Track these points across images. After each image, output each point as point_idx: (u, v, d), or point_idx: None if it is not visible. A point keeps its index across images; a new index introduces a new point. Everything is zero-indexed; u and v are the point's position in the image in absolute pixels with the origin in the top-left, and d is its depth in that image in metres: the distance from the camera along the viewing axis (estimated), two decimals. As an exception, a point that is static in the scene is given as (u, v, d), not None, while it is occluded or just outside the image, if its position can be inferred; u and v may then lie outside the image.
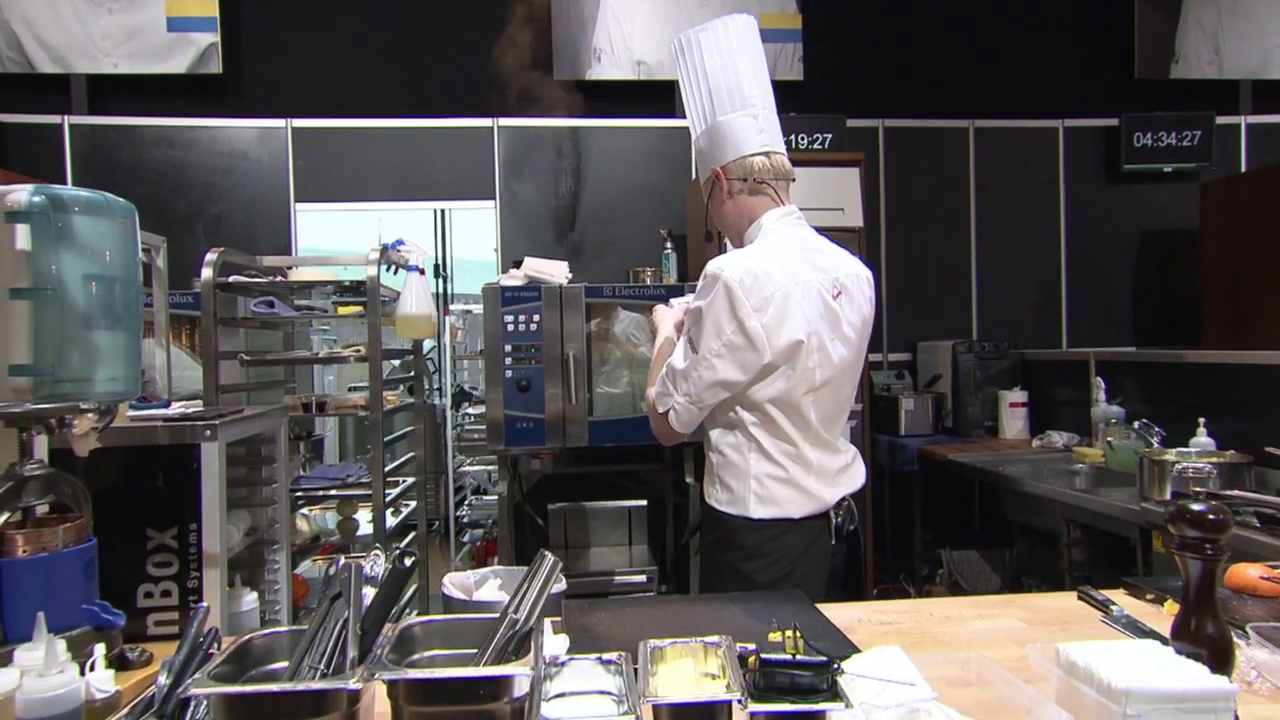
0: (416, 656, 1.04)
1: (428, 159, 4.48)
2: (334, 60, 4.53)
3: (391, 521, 2.77)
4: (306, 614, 2.83)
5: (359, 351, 2.61)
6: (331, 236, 4.56)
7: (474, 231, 4.68)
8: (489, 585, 1.97)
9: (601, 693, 1.06)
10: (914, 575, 4.32)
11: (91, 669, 1.00)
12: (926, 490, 4.38)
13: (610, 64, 4.60)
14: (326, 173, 4.47)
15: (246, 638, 1.02)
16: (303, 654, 0.98)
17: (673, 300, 2.27)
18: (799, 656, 0.95)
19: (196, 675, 0.91)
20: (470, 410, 4.64)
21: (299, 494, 2.60)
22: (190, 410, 1.65)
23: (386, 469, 2.68)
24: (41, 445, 1.49)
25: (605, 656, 1.10)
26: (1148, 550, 2.60)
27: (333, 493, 2.67)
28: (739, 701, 0.94)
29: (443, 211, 4.91)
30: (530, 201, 4.54)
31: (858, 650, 1.26)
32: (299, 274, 2.70)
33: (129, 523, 1.49)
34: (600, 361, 3.80)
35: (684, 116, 1.98)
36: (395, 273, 2.76)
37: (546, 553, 1.06)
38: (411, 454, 3.00)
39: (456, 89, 4.54)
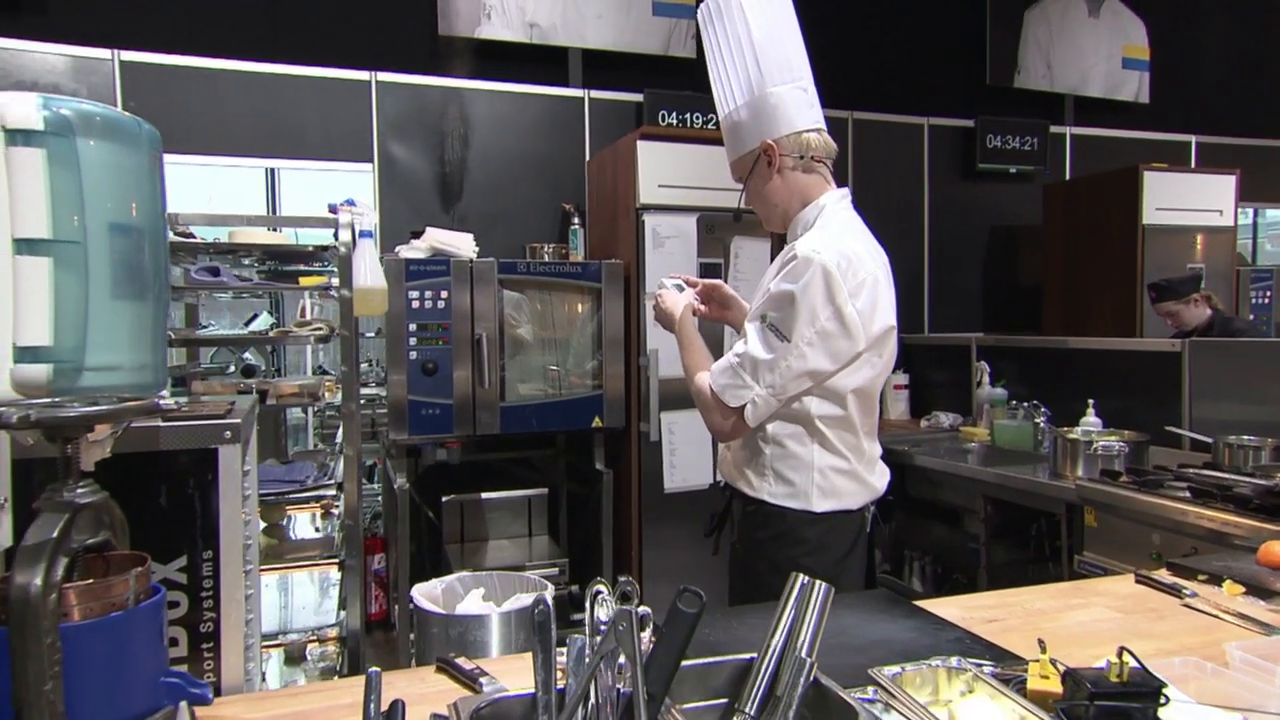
0: (675, 710, 0.85)
1: (296, 113, 3.94)
2: (176, -14, 3.87)
3: (323, 527, 2.38)
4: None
5: (320, 330, 2.20)
6: (183, 195, 3.90)
7: (320, 196, 4.18)
8: (471, 597, 1.73)
9: (867, 735, 0.92)
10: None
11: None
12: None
13: (501, 23, 4.27)
14: (169, 120, 3.81)
15: (470, 710, 0.78)
16: (563, 728, 0.75)
17: (665, 280, 2.12)
18: (1126, 684, 0.86)
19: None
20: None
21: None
22: (169, 404, 1.28)
23: (329, 470, 2.31)
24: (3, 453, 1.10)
25: (859, 694, 0.96)
26: (1073, 524, 2.79)
27: (299, 495, 2.25)
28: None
29: (272, 171, 4.38)
30: (413, 167, 4.14)
31: (1019, 658, 1.20)
32: (246, 235, 2.22)
33: (124, 555, 1.13)
34: (513, 342, 3.54)
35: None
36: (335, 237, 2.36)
37: (806, 577, 0.90)
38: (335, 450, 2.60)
39: (330, 36, 4.04)
